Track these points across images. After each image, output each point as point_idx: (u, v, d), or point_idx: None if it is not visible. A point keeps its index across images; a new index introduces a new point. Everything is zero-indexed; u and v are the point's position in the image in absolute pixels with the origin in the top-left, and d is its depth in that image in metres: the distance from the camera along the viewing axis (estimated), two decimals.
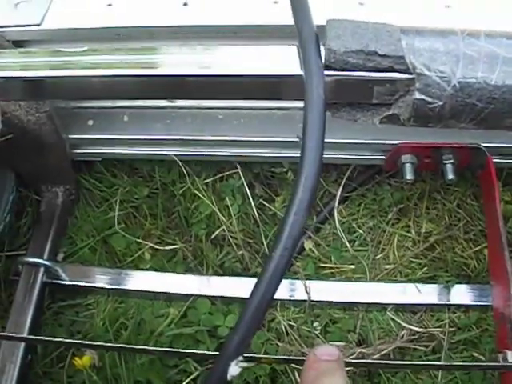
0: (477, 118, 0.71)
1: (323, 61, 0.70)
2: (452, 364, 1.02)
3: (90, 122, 1.09)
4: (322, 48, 0.71)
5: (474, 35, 0.71)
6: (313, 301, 1.07)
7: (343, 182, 1.15)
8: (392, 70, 0.70)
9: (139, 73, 0.79)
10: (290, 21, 0.72)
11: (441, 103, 0.70)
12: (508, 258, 0.94)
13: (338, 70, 0.71)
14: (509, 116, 0.71)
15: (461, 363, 1.02)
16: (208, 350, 1.04)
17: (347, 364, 1.00)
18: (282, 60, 0.76)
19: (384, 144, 1.05)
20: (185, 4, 0.91)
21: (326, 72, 0.70)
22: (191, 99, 1.04)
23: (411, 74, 0.69)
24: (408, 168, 1.04)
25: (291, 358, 0.95)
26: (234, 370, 0.58)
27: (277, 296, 1.06)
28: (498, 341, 0.96)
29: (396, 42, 0.70)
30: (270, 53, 0.79)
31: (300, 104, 0.68)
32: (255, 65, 0.78)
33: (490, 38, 0.71)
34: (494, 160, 1.04)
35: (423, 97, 0.70)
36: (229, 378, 0.58)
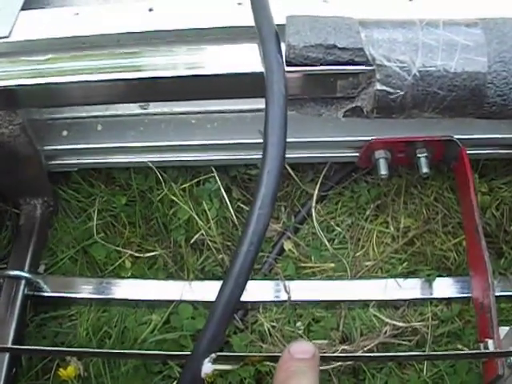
0: (439, 106, 0.72)
1: (284, 57, 0.70)
2: (433, 354, 1.02)
3: (65, 133, 1.09)
4: (282, 45, 0.72)
5: (433, 24, 0.72)
6: (294, 301, 1.07)
7: (319, 181, 1.15)
8: (353, 62, 0.71)
9: (111, 77, 0.80)
10: None
11: (402, 93, 0.70)
12: (485, 248, 0.94)
13: (299, 66, 0.71)
14: (471, 102, 0.72)
15: (442, 353, 1.03)
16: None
17: (329, 359, 1.00)
18: (248, 58, 0.77)
19: (357, 141, 1.06)
20: (150, 10, 0.91)
21: (287, 68, 0.71)
22: (164, 101, 1.04)
23: (371, 65, 0.70)
24: (382, 163, 1.04)
25: (267, 354, 0.95)
26: (207, 367, 0.58)
27: (258, 298, 1.07)
28: (479, 330, 0.96)
29: (355, 35, 0.70)
30: (236, 52, 0.80)
31: None
32: (222, 64, 0.79)
33: (448, 27, 0.71)
34: (469, 152, 1.05)
35: (384, 87, 0.70)
36: (202, 375, 0.58)
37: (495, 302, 0.90)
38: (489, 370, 0.90)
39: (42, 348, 1.06)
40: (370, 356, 1.03)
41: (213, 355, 0.58)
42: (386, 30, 0.71)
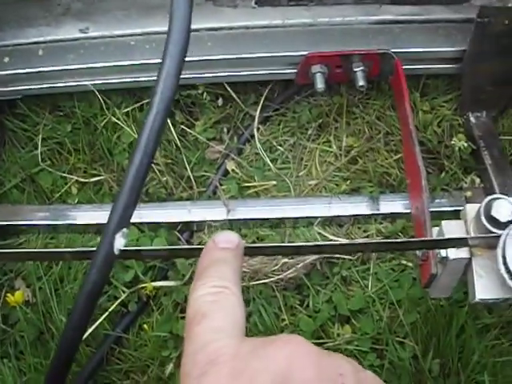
0: None
1: None
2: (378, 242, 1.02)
3: (6, 59, 1.10)
4: None
5: None
6: (237, 219, 1.08)
7: (261, 102, 1.16)
8: None
9: None
10: None
11: None
12: (419, 153, 0.96)
13: None
14: None
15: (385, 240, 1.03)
16: (136, 275, 1.05)
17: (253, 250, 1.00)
18: None
19: (294, 56, 1.06)
20: None
21: None
22: None
23: None
24: (319, 78, 1.05)
25: (194, 247, 0.96)
26: (119, 242, 0.58)
27: (203, 219, 1.07)
28: (415, 234, 0.97)
29: None
30: None
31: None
32: None
33: None
34: (406, 67, 1.05)
35: None
36: (116, 251, 0.58)
37: (429, 205, 0.91)
38: (424, 272, 0.91)
39: None
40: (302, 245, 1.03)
41: (125, 230, 0.58)
42: None
